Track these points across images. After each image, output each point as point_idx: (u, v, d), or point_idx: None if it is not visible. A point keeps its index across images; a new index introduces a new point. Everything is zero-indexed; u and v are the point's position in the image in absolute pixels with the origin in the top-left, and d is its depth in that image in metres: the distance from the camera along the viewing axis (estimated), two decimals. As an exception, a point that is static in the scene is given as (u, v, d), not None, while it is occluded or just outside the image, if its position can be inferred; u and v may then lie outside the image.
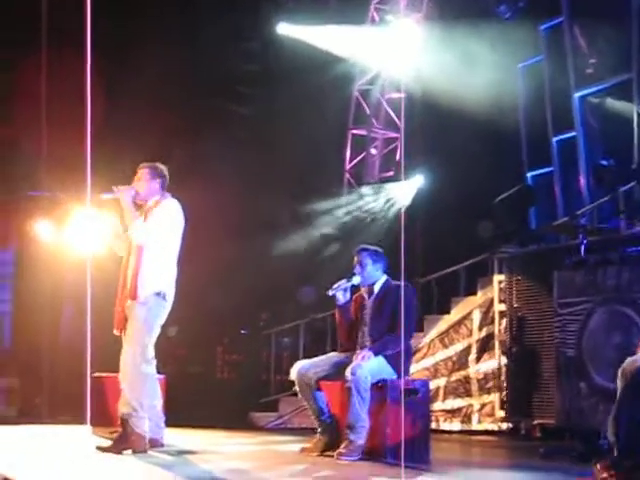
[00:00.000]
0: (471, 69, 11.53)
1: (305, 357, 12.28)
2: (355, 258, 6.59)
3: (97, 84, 4.70)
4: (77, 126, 5.05)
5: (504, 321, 8.80)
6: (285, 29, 13.83)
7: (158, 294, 6.13)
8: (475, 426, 9.37)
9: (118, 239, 6.32)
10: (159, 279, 6.16)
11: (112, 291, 6.44)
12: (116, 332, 6.19)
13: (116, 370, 6.22)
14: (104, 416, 7.19)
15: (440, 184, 12.41)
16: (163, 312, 6.20)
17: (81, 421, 7.03)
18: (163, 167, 6.30)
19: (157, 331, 6.19)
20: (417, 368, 10.04)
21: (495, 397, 9.14)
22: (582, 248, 7.15)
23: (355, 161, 14.57)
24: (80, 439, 6.71)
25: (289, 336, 13.22)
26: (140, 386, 6.00)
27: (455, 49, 11.68)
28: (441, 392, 9.77)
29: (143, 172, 6.26)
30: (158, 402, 6.37)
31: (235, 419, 10.43)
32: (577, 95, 11.30)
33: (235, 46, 13.71)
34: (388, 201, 13.82)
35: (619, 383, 4.84)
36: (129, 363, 6.01)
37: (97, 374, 7.64)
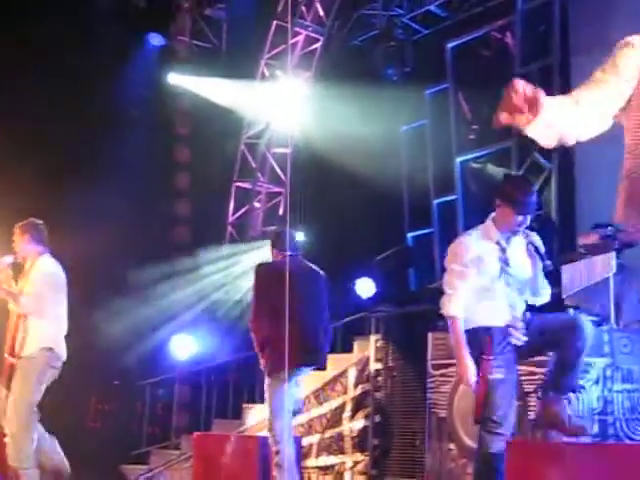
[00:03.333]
0: (356, 129, 11.70)
1: (180, 409, 12.24)
2: None
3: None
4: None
5: (379, 380, 8.85)
6: (175, 79, 13.83)
7: (43, 349, 6.29)
8: (347, 484, 9.36)
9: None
10: (44, 335, 6.31)
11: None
12: None
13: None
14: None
15: (321, 241, 12.51)
16: (50, 367, 6.37)
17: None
18: (35, 222, 6.44)
19: (44, 387, 6.35)
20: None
21: (368, 456, 9.15)
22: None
23: (238, 214, 14.58)
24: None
25: (164, 387, 13.04)
26: (27, 440, 6.16)
27: (342, 109, 11.84)
28: (314, 449, 9.73)
29: (15, 232, 6.55)
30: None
31: (104, 471, 10.20)
32: (458, 160, 11.57)
33: (124, 92, 13.62)
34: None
35: None
36: (14, 419, 6.18)
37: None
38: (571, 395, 5.80)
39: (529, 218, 5.30)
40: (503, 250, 5.28)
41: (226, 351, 11.91)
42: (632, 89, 3.30)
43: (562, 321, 5.25)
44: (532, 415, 6.36)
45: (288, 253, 6.50)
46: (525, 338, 5.20)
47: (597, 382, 6.29)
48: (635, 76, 3.54)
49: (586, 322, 5.21)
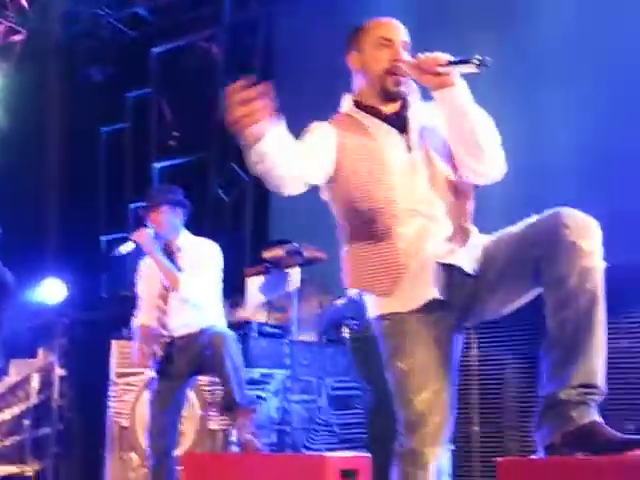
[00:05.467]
0: (55, 126, 11.39)
1: None
2: None
3: None
4: None
5: (63, 387, 8.64)
6: None
7: None
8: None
9: None
10: None
11: None
12: None
13: None
14: None
15: (8, 240, 12.02)
16: None
17: None
18: None
19: None
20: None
21: (50, 464, 8.91)
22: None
23: None
24: None
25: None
26: None
27: (41, 104, 11.48)
28: (-8, 457, 9.35)
29: None
30: None
31: None
32: (157, 166, 11.52)
33: None
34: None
35: None
36: None
37: None
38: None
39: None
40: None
41: None
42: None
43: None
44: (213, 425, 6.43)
45: None
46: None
47: (277, 393, 6.47)
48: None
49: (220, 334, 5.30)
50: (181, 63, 11.72)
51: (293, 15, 10.70)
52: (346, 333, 6.00)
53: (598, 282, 2.76)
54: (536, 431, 2.79)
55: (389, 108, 3.25)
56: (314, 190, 8.27)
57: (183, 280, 5.29)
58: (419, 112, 3.25)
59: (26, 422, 9.29)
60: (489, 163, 3.09)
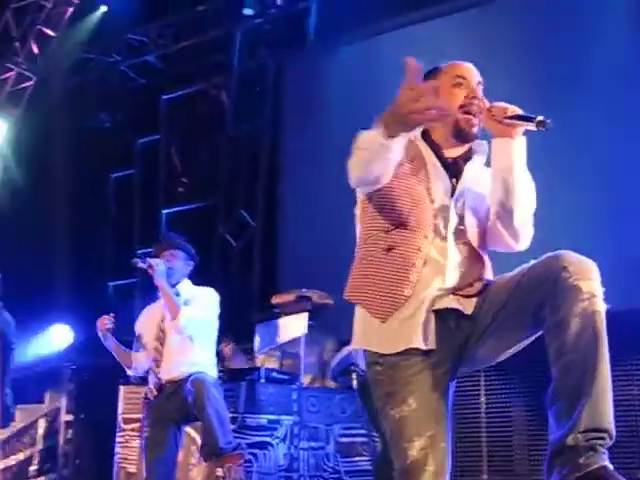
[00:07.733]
0: (64, 172, 11.44)
1: None
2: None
3: None
4: None
5: (70, 432, 8.59)
6: None
7: None
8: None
9: None
10: None
11: None
12: None
13: None
14: None
15: (16, 285, 12.04)
16: None
17: None
18: None
19: None
20: (-27, 478, 9.49)
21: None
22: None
23: None
24: None
25: None
26: None
27: (50, 150, 11.54)
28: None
29: None
30: None
31: None
32: (165, 212, 11.58)
33: None
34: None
35: None
36: None
37: None
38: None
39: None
40: None
41: None
42: None
43: None
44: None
45: None
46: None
47: (284, 439, 6.43)
48: None
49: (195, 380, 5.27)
50: (190, 110, 11.82)
51: (301, 62, 10.81)
52: (354, 379, 5.97)
53: (600, 324, 2.70)
54: (546, 478, 2.75)
55: (452, 152, 3.18)
56: (322, 236, 8.27)
57: (183, 311, 5.24)
58: (476, 168, 3.18)
59: (32, 468, 9.22)
60: (516, 230, 3.04)
